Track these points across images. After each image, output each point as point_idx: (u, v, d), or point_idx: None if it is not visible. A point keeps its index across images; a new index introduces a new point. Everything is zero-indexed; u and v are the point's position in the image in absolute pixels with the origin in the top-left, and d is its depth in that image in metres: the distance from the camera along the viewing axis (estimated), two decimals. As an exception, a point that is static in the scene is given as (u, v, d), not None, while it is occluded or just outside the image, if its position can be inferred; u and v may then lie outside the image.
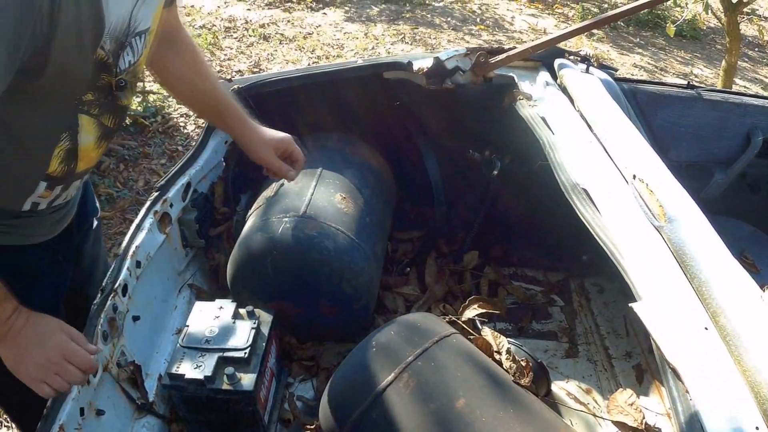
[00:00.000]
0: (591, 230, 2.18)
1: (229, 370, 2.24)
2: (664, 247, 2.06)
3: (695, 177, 3.62)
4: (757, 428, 1.55)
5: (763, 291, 1.86)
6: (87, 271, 2.50)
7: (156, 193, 2.71)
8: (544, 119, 2.71)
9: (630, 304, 1.92)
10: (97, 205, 2.62)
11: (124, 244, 2.47)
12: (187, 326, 2.40)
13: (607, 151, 2.49)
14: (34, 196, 1.96)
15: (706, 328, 1.80)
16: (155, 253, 2.61)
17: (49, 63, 1.63)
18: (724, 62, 6.78)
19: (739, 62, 7.61)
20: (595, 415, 2.45)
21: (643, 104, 3.31)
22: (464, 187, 3.50)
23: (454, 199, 3.54)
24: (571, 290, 3.31)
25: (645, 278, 1.97)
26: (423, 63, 3.08)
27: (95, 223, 2.57)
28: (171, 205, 2.75)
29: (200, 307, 2.48)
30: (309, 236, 2.57)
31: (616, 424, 2.26)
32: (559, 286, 3.32)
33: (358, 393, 2.09)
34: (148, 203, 2.67)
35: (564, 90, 2.96)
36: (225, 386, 2.24)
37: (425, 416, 1.99)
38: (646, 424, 2.22)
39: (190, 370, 2.24)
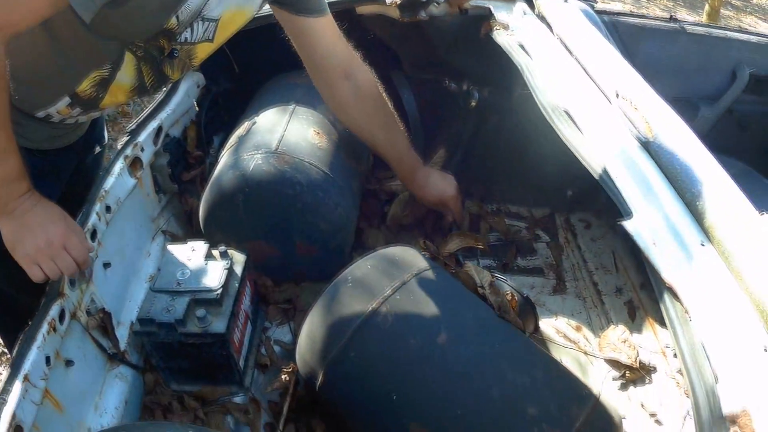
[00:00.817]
0: (574, 151, 2.09)
1: (201, 312, 2.14)
2: (651, 162, 1.95)
3: (681, 112, 3.50)
4: (765, 349, 1.43)
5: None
6: (78, 191, 2.48)
7: (126, 137, 2.64)
8: (522, 46, 2.63)
9: (619, 221, 1.83)
10: (105, 134, 2.77)
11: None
12: (159, 270, 2.31)
13: (587, 72, 2.39)
14: (53, 108, 2.08)
15: (702, 244, 1.69)
16: (126, 198, 2.53)
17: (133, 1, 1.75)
18: (707, 6, 6.70)
19: (722, 10, 7.51)
20: (586, 353, 2.37)
21: (624, 37, 3.22)
22: (443, 121, 3.41)
23: (433, 134, 3.44)
24: (556, 226, 3.21)
25: (634, 195, 1.87)
26: (396, -5, 2.97)
27: (98, 149, 2.70)
28: (142, 150, 2.68)
29: (172, 249, 2.38)
30: (281, 171, 2.47)
31: (609, 362, 2.19)
32: (544, 222, 3.23)
33: (334, 331, 2.00)
34: (118, 147, 2.59)
35: (542, 19, 2.85)
36: (196, 329, 2.14)
37: (405, 352, 1.91)
38: (640, 361, 2.13)
39: (160, 314, 2.14)
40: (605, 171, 1.98)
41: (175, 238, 2.87)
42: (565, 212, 3.27)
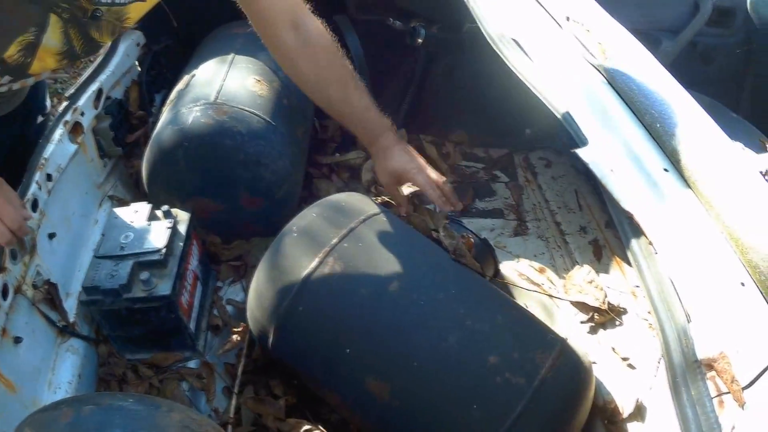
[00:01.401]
0: (523, 80, 1.99)
1: (144, 275, 2.08)
2: (607, 85, 1.86)
3: (643, 45, 3.46)
4: (742, 284, 1.33)
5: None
6: (18, 161, 2.37)
7: (65, 103, 2.56)
8: None
9: (572, 150, 1.72)
10: (47, 103, 2.68)
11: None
12: (103, 235, 2.23)
13: (535, -1, 2.27)
14: None
15: (666, 170, 1.59)
16: (68, 165, 2.45)
17: None
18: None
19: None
20: (551, 296, 2.27)
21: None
22: (391, 63, 3.30)
23: (381, 77, 3.30)
24: (515, 165, 3.11)
25: (589, 121, 1.77)
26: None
27: (41, 119, 2.61)
28: (82, 114, 2.60)
29: (115, 213, 2.31)
30: (220, 122, 2.38)
31: (576, 304, 2.09)
32: (502, 162, 3.13)
33: (281, 286, 1.90)
34: (57, 114, 2.52)
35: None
36: (141, 293, 2.07)
37: (356, 303, 1.83)
38: (608, 303, 2.03)
39: (104, 281, 2.06)
40: (558, 99, 1.88)
41: (123, 203, 2.76)
42: (524, 151, 3.17)
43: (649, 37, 3.39)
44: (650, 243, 1.48)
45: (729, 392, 1.23)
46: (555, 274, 2.37)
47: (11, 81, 2.02)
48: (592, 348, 2.02)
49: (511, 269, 2.40)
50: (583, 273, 2.16)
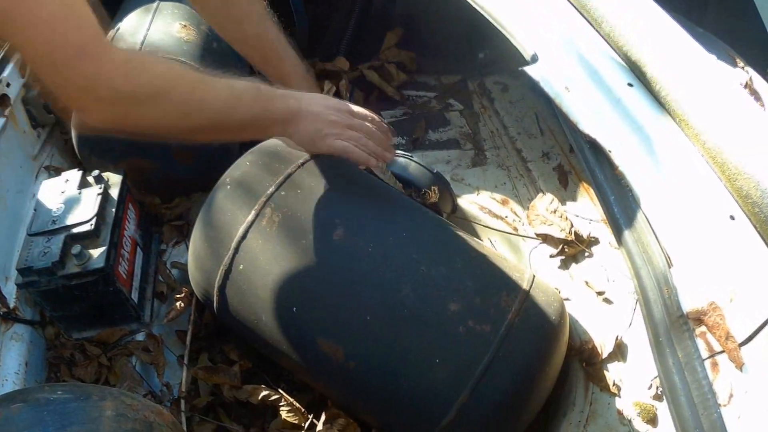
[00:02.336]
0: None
1: (76, 248, 1.96)
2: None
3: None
4: (732, 217, 1.17)
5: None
6: None
7: None
8: None
9: (521, 68, 1.58)
10: None
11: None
12: (35, 210, 2.11)
13: None
14: None
15: (630, 85, 1.43)
16: None
17: None
18: None
19: None
20: (515, 229, 2.16)
21: None
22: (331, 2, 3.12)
23: (320, 11, 3.14)
24: (470, 92, 2.95)
25: (537, 34, 1.63)
26: None
27: None
28: (8, 85, 2.51)
29: (46, 185, 2.19)
30: None
31: (541, 236, 1.97)
32: (455, 89, 2.97)
33: (218, 245, 1.77)
34: None
35: None
36: (75, 269, 1.95)
37: (298, 255, 1.69)
38: (575, 233, 1.90)
39: (37, 260, 1.96)
40: (503, 13, 1.73)
41: (61, 172, 2.59)
42: (478, 77, 3.00)
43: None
44: (617, 171, 1.32)
45: (723, 351, 1.06)
46: (519, 204, 2.27)
47: None
48: (563, 284, 1.91)
49: (470, 203, 2.29)
50: (545, 202, 2.03)
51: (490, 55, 2.96)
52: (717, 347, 1.06)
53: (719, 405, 1.01)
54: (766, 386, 0.98)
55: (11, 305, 2.14)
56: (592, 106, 1.45)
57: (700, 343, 1.08)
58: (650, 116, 1.36)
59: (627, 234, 1.31)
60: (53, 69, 1.49)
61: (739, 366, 1.02)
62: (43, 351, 2.16)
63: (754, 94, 1.44)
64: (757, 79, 1.70)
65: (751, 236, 1.13)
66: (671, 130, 1.31)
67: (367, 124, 1.87)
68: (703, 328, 1.08)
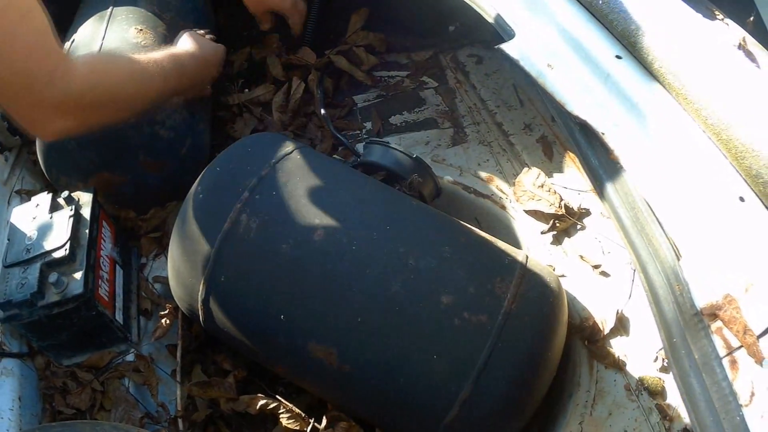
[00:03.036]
0: None
1: (53, 276, 1.91)
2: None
3: None
4: (741, 199, 1.10)
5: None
6: None
7: None
8: None
9: (496, 46, 1.54)
10: None
11: None
12: (8, 240, 2.07)
13: None
14: None
15: (619, 57, 1.37)
16: None
17: None
18: None
19: None
20: (503, 207, 2.10)
21: None
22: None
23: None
24: (443, 67, 2.88)
25: (513, 6, 1.59)
26: None
27: None
28: None
29: (17, 212, 2.15)
30: None
31: (530, 213, 1.94)
32: (427, 65, 2.91)
33: (196, 257, 1.73)
34: None
35: None
36: (54, 297, 1.91)
37: (280, 262, 1.65)
38: (566, 206, 1.86)
39: (15, 292, 1.91)
40: None
41: (33, 195, 2.52)
42: (450, 50, 2.94)
43: None
44: (612, 155, 1.25)
45: (742, 346, 1.00)
46: (504, 181, 2.21)
47: None
48: (558, 260, 1.87)
49: (454, 184, 2.24)
50: (531, 177, 1.98)
51: (460, 28, 2.89)
52: (735, 343, 1.00)
53: (741, 406, 0.95)
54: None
55: (-3, 341, 2.12)
56: (579, 83, 1.38)
57: (717, 341, 1.02)
58: (644, 92, 1.29)
59: (629, 225, 1.25)
60: (27, 93, 1.62)
61: (759, 360, 0.95)
62: (35, 383, 2.12)
63: (750, 55, 1.37)
64: (739, 31, 1.65)
65: (763, 218, 1.06)
66: (669, 106, 1.24)
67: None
68: (718, 324, 1.02)
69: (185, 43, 2.31)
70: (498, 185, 2.19)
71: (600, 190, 1.35)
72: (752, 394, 0.94)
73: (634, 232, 1.22)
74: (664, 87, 1.26)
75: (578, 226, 1.85)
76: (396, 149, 2.03)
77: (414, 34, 2.94)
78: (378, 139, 2.14)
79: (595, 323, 1.68)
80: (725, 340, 1.00)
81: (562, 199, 1.89)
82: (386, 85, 2.86)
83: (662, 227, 1.15)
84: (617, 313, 1.62)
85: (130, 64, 1.96)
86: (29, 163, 2.74)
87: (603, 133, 1.29)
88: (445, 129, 2.58)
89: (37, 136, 1.84)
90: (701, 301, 1.06)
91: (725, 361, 0.99)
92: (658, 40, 1.31)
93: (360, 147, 2.26)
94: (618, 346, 1.62)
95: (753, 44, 1.35)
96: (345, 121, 2.70)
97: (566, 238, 1.89)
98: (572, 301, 1.77)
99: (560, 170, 2.09)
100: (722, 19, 1.65)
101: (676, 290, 1.10)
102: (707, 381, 1.01)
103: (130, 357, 2.12)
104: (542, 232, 1.92)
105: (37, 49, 1.60)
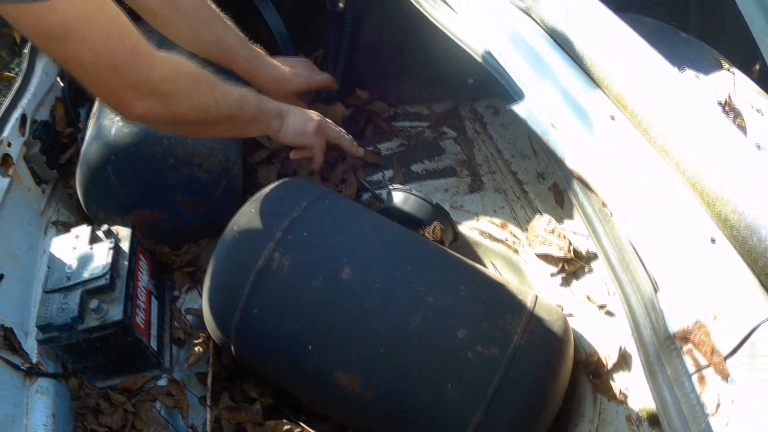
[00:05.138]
0: (449, 35, 1.93)
1: (93, 303, 2.00)
2: (537, 28, 1.76)
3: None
4: (713, 240, 1.21)
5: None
6: None
7: None
8: None
9: (509, 106, 1.64)
10: None
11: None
12: (48, 268, 2.15)
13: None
14: None
15: (613, 118, 1.47)
16: (4, 199, 2.42)
17: None
18: None
19: None
20: (516, 251, 2.20)
21: None
22: (316, 32, 3.18)
23: (309, 49, 3.18)
24: (462, 118, 2.99)
25: (522, 71, 1.68)
26: None
27: None
28: (9, 145, 2.53)
29: (57, 242, 2.23)
30: (144, 129, 2.28)
31: (541, 257, 2.01)
32: (448, 117, 3.01)
33: (231, 291, 1.84)
34: None
35: None
36: (94, 322, 2.00)
37: (310, 297, 1.77)
38: (574, 250, 1.95)
39: (56, 316, 1.99)
40: (487, 51, 1.80)
41: (68, 227, 2.67)
42: (469, 102, 3.05)
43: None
44: (604, 204, 1.38)
45: (710, 365, 1.12)
46: (518, 227, 2.31)
47: None
48: (566, 300, 1.96)
49: (471, 229, 2.33)
50: (543, 223, 2.08)
51: (479, 80, 2.99)
52: (703, 362, 1.12)
53: (707, 415, 1.07)
54: (751, 393, 1.04)
55: (34, 360, 2.19)
56: (577, 141, 1.49)
57: (687, 360, 1.13)
58: (633, 147, 1.40)
59: (616, 264, 1.36)
60: (111, 71, 1.70)
61: (725, 377, 1.07)
62: (68, 402, 2.19)
63: (733, 111, 1.49)
64: (743, 80, 1.76)
65: (731, 257, 1.18)
66: (653, 159, 1.35)
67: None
68: (689, 346, 1.14)
69: (283, 106, 2.33)
70: (512, 230, 2.29)
71: (593, 233, 1.47)
72: (718, 405, 1.05)
73: (620, 269, 1.34)
74: (649, 143, 1.38)
75: (586, 269, 1.94)
76: (417, 196, 2.15)
77: (435, 85, 3.04)
78: (400, 186, 2.25)
79: (599, 359, 1.77)
80: (694, 360, 1.12)
81: (571, 244, 1.98)
82: (408, 134, 2.96)
83: (643, 264, 1.27)
84: (620, 349, 1.70)
85: (215, 79, 2.03)
86: (65, 196, 2.83)
87: (595, 185, 1.41)
88: (463, 177, 2.68)
89: (123, 117, 1.90)
90: (674, 327, 1.17)
91: (694, 378, 1.11)
92: (644, 102, 1.42)
93: (384, 193, 2.36)
94: (620, 380, 1.71)
95: (740, 97, 1.48)
96: (369, 169, 2.79)
97: (574, 280, 1.98)
98: (578, 338, 1.86)
99: (570, 216, 2.17)
100: (728, 68, 1.78)
101: (653, 318, 1.22)
102: (678, 394, 1.13)
103: (161, 382, 2.21)
104: (552, 275, 2.01)
105: (116, 29, 1.68)
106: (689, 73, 1.63)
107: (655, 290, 1.24)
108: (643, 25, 1.67)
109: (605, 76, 1.53)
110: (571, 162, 1.46)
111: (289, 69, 2.59)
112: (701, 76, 1.75)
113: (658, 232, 1.28)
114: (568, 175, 1.52)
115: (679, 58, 1.59)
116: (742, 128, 1.44)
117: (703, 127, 1.34)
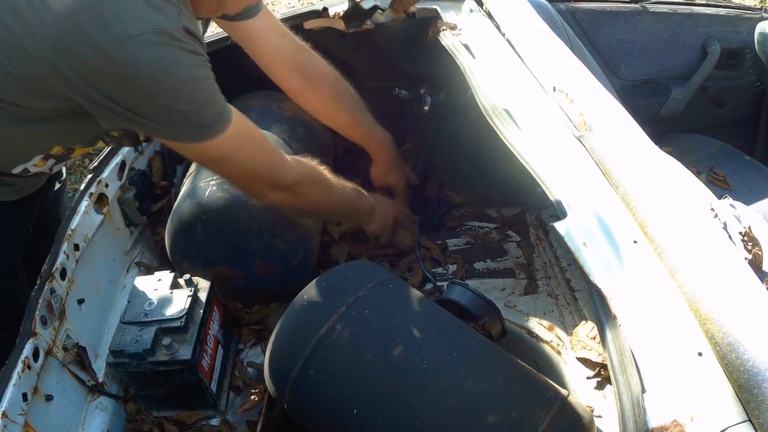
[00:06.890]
0: (513, 150, 2.09)
1: (167, 340, 2.22)
2: (587, 157, 1.94)
3: (653, 94, 3.49)
4: (700, 354, 1.39)
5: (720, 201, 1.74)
6: (47, 229, 2.61)
7: (90, 176, 2.72)
8: (466, 46, 2.60)
9: (552, 223, 1.81)
10: (63, 170, 2.82)
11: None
12: (128, 302, 2.35)
13: (528, 68, 2.36)
14: (29, 164, 2.21)
15: (635, 242, 1.66)
16: (95, 234, 2.63)
17: None
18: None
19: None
20: (558, 353, 2.34)
21: (583, 23, 3.19)
22: (402, 130, 3.32)
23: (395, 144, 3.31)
24: (527, 224, 3.14)
25: (568, 192, 1.85)
26: (339, 7, 2.97)
27: (57, 185, 2.83)
28: (106, 186, 2.80)
29: (140, 281, 2.43)
30: (235, 196, 2.49)
31: (581, 360, 2.12)
32: (514, 221, 3.16)
33: (293, 352, 2.00)
34: (82, 186, 2.68)
35: (489, 15, 2.80)
36: (164, 357, 2.22)
37: (362, 367, 1.92)
38: (611, 358, 2.09)
39: (130, 345, 2.21)
40: (541, 169, 1.97)
41: (150, 269, 2.92)
42: (535, 209, 3.19)
43: (659, 86, 3.46)
44: (614, 316, 1.54)
45: None
46: (563, 331, 2.43)
47: (54, 164, 2.27)
48: (598, 402, 2.07)
49: (521, 327, 2.48)
50: (586, 329, 2.19)
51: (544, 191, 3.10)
52: None
53: None
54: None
55: (100, 380, 2.39)
56: (603, 260, 1.66)
57: None
58: (647, 269, 1.59)
59: (616, 365, 1.51)
60: (254, 179, 2.24)
61: None
62: (123, 423, 2.39)
63: (752, 241, 1.64)
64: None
65: (714, 369, 1.36)
66: (662, 279, 1.54)
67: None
68: None
69: (374, 203, 2.76)
70: (557, 333, 2.43)
71: (602, 339, 1.62)
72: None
73: (619, 370, 1.49)
74: (661, 265, 1.55)
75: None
76: (474, 291, 2.30)
77: (505, 190, 3.18)
78: (460, 281, 2.39)
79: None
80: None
81: (609, 351, 2.12)
82: (476, 234, 3.11)
83: (638, 368, 1.43)
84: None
85: (331, 182, 2.47)
86: (151, 242, 3.07)
87: (610, 299, 1.58)
88: (520, 279, 2.82)
89: (262, 202, 2.38)
90: (654, 422, 1.34)
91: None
92: (663, 231, 1.62)
93: (444, 285, 2.52)
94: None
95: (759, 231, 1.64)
96: (434, 262, 2.95)
97: (608, 385, 2.07)
98: (607, 438, 1.97)
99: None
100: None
101: (636, 413, 1.38)
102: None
103: (214, 422, 2.37)
104: (588, 378, 2.12)
105: (259, 152, 2.20)
106: (723, 203, 1.77)
107: (643, 391, 1.40)
108: (710, 147, 1.82)
109: (636, 204, 1.72)
110: (596, 278, 1.63)
111: (397, 169, 3.08)
112: (737, 204, 1.87)
113: (655, 342, 1.46)
114: (590, 287, 1.67)
115: (740, 179, 1.72)
116: (758, 257, 1.59)
117: (707, 256, 1.52)
